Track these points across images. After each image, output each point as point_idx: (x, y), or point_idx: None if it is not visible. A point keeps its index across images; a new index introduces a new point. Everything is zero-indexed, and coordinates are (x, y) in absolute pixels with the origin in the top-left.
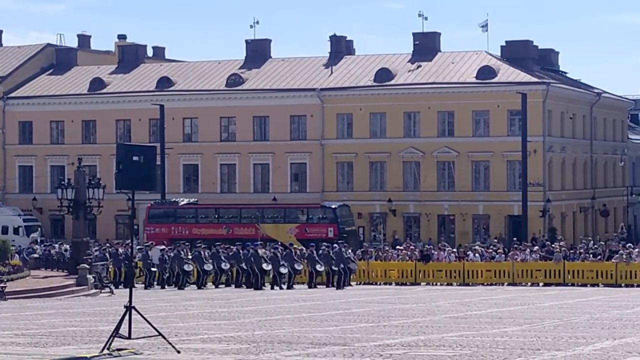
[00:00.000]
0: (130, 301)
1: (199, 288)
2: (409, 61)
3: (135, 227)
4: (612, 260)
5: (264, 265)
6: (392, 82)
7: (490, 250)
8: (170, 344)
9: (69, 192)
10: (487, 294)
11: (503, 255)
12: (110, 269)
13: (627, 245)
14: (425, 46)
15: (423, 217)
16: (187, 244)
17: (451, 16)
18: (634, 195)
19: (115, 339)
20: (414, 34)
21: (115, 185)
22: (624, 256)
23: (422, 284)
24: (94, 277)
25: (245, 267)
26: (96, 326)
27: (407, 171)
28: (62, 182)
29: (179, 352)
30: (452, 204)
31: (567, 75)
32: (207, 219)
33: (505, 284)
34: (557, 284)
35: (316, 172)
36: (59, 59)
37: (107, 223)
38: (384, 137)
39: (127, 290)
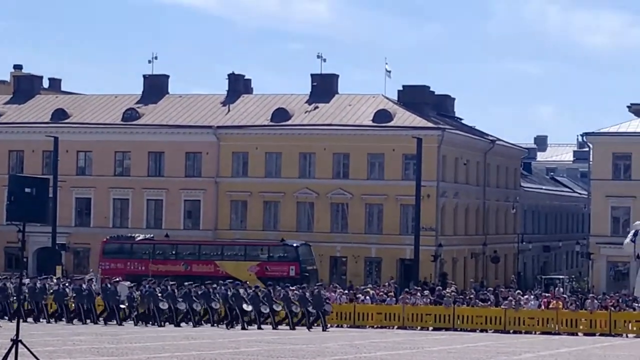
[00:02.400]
0: (17, 334)
1: (176, 326)
2: (306, 102)
3: (25, 259)
4: (501, 307)
5: (244, 306)
6: (289, 122)
7: (381, 293)
8: None
9: None
10: (377, 336)
11: (394, 299)
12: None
13: (516, 292)
14: (323, 87)
15: (316, 258)
16: (153, 280)
17: (350, 59)
18: (524, 243)
19: None
20: (312, 75)
21: (6, 217)
22: (513, 302)
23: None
24: None
25: (214, 307)
26: None
27: (301, 211)
28: None
29: None
30: (345, 245)
31: (463, 121)
32: (164, 255)
33: (396, 327)
34: (447, 329)
35: (210, 210)
36: None
37: None
38: (279, 176)
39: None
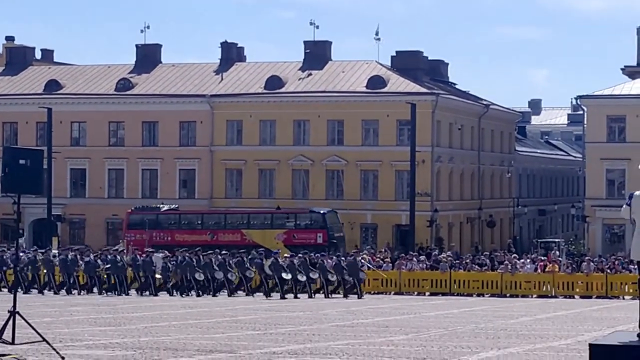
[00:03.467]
0: (14, 306)
1: (213, 296)
2: (299, 69)
3: (21, 230)
4: (498, 271)
5: (284, 274)
6: (283, 89)
7: (377, 259)
8: (54, 349)
9: None
10: (374, 302)
11: (390, 264)
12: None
13: (512, 256)
14: (316, 55)
15: None
16: (190, 250)
17: (342, 25)
18: (519, 207)
19: None
20: (305, 42)
21: (1, 189)
22: (509, 267)
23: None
24: None
25: (249, 276)
26: None
27: (296, 179)
28: None
29: (63, 358)
30: (341, 212)
31: (456, 86)
32: (190, 225)
33: (392, 292)
34: (444, 294)
35: (205, 179)
36: None
37: None
38: (273, 144)
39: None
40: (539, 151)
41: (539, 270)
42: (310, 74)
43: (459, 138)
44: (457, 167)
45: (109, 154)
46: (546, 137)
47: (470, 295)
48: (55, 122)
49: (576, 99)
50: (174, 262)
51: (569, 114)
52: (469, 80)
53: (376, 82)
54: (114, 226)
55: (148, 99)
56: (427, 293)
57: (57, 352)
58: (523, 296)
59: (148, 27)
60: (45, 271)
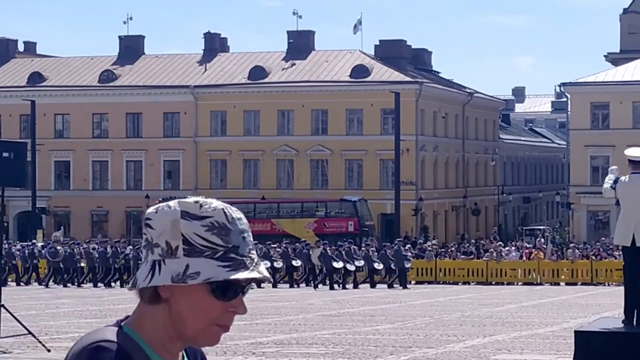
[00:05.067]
0: None
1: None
2: (283, 59)
3: (5, 224)
4: (483, 259)
5: (334, 264)
6: (266, 80)
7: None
8: (40, 342)
9: None
10: (359, 292)
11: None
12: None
13: (497, 244)
14: (300, 44)
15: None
16: None
17: (326, 15)
18: (504, 195)
19: None
20: (288, 32)
21: None
22: (494, 254)
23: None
24: None
25: (295, 265)
26: None
27: (281, 169)
28: None
29: (49, 350)
30: None
31: (440, 74)
32: None
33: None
34: (429, 282)
35: (189, 170)
36: None
37: None
38: (257, 134)
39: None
40: (523, 139)
41: (524, 258)
42: (293, 64)
43: (443, 126)
44: (441, 155)
45: (93, 146)
46: (530, 124)
47: (456, 283)
48: (38, 114)
49: (560, 86)
50: None
51: (552, 102)
52: (452, 68)
53: (360, 72)
54: (99, 218)
55: (132, 91)
56: (413, 281)
57: (43, 345)
58: (508, 284)
59: (131, 19)
60: (84, 264)
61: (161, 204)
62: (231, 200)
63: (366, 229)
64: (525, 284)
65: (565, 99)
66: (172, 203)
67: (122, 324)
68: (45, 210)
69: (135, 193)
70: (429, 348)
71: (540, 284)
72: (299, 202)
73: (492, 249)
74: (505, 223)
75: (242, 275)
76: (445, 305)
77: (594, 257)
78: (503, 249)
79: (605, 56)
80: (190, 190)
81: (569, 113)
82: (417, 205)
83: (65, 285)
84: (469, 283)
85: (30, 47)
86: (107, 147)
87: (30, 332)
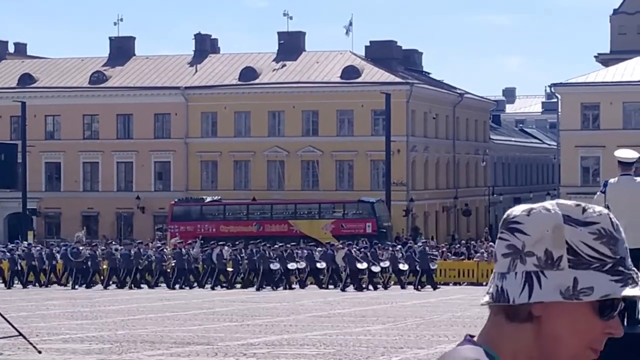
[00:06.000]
0: None
1: (291, 289)
2: (273, 60)
3: None
4: (474, 259)
5: (359, 265)
6: (257, 81)
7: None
8: (31, 344)
9: None
10: (350, 292)
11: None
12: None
13: (488, 244)
14: (290, 45)
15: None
16: (263, 242)
17: (316, 16)
18: (495, 195)
19: None
20: (278, 33)
21: None
22: (485, 255)
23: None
24: None
25: (320, 267)
26: None
27: (272, 170)
28: None
29: (40, 352)
30: None
31: (431, 75)
32: (236, 216)
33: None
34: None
35: (180, 171)
36: None
37: None
38: (248, 136)
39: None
40: (513, 139)
41: None
42: (284, 65)
43: (434, 127)
44: (432, 156)
45: (84, 147)
46: (521, 125)
47: (447, 284)
48: (29, 115)
49: (550, 86)
50: (248, 253)
51: (543, 102)
52: (443, 69)
53: (350, 72)
54: (90, 219)
55: (122, 92)
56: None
57: (34, 346)
58: None
59: (121, 20)
60: (105, 266)
61: (532, 206)
62: (256, 201)
63: (384, 230)
64: None
65: (555, 100)
66: (548, 205)
67: (476, 342)
68: (36, 212)
69: (126, 194)
70: (420, 349)
71: None
72: (316, 203)
73: (483, 250)
74: (496, 223)
75: (633, 292)
76: (436, 306)
77: None
78: (494, 250)
79: (595, 57)
80: (181, 191)
81: (559, 114)
82: (408, 206)
83: (89, 287)
84: (460, 284)
85: (20, 49)
86: (98, 149)
87: (20, 334)
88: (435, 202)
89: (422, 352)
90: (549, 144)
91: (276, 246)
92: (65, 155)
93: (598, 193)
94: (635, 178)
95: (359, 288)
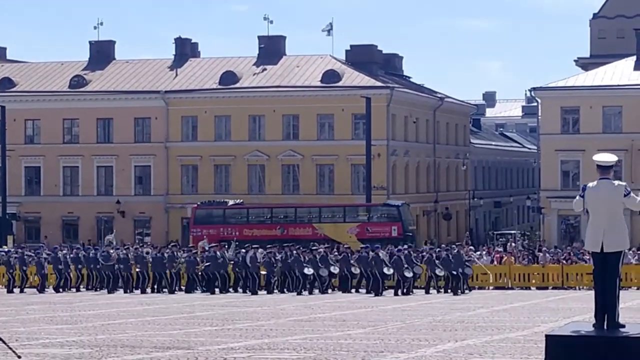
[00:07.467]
0: None
1: (324, 293)
2: (254, 64)
3: None
4: None
5: (385, 269)
6: (237, 85)
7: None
8: (10, 348)
9: None
10: (330, 297)
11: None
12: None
13: (468, 248)
14: (271, 49)
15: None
16: (298, 246)
17: (296, 20)
18: (475, 199)
19: None
20: (259, 37)
21: None
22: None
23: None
24: None
25: (354, 272)
26: None
27: (252, 174)
28: None
29: (19, 357)
30: None
31: (411, 79)
32: (259, 220)
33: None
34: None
35: (160, 175)
36: None
37: None
38: (229, 140)
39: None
40: (493, 143)
41: (495, 262)
42: (264, 69)
43: (414, 131)
44: (412, 160)
45: (64, 152)
46: (501, 129)
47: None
48: (8, 119)
49: (530, 90)
50: (281, 257)
51: (523, 106)
52: (423, 73)
53: (331, 77)
54: (70, 224)
55: (102, 96)
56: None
57: (14, 351)
58: (480, 288)
59: (101, 24)
60: (137, 269)
61: None
62: (280, 204)
63: (410, 234)
64: (496, 288)
65: (535, 104)
66: None
67: None
68: (15, 216)
69: (106, 199)
70: (401, 353)
71: (511, 288)
72: (340, 206)
73: (463, 254)
74: (477, 227)
75: None
76: (417, 309)
77: (564, 262)
78: (474, 254)
79: (575, 61)
80: (162, 195)
81: (539, 118)
82: None
83: (127, 291)
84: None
85: (0, 52)
86: (78, 153)
87: (0, 339)
88: (415, 206)
89: (403, 356)
90: (529, 148)
91: (306, 249)
92: (45, 159)
93: (577, 197)
94: (614, 182)
95: (380, 293)
